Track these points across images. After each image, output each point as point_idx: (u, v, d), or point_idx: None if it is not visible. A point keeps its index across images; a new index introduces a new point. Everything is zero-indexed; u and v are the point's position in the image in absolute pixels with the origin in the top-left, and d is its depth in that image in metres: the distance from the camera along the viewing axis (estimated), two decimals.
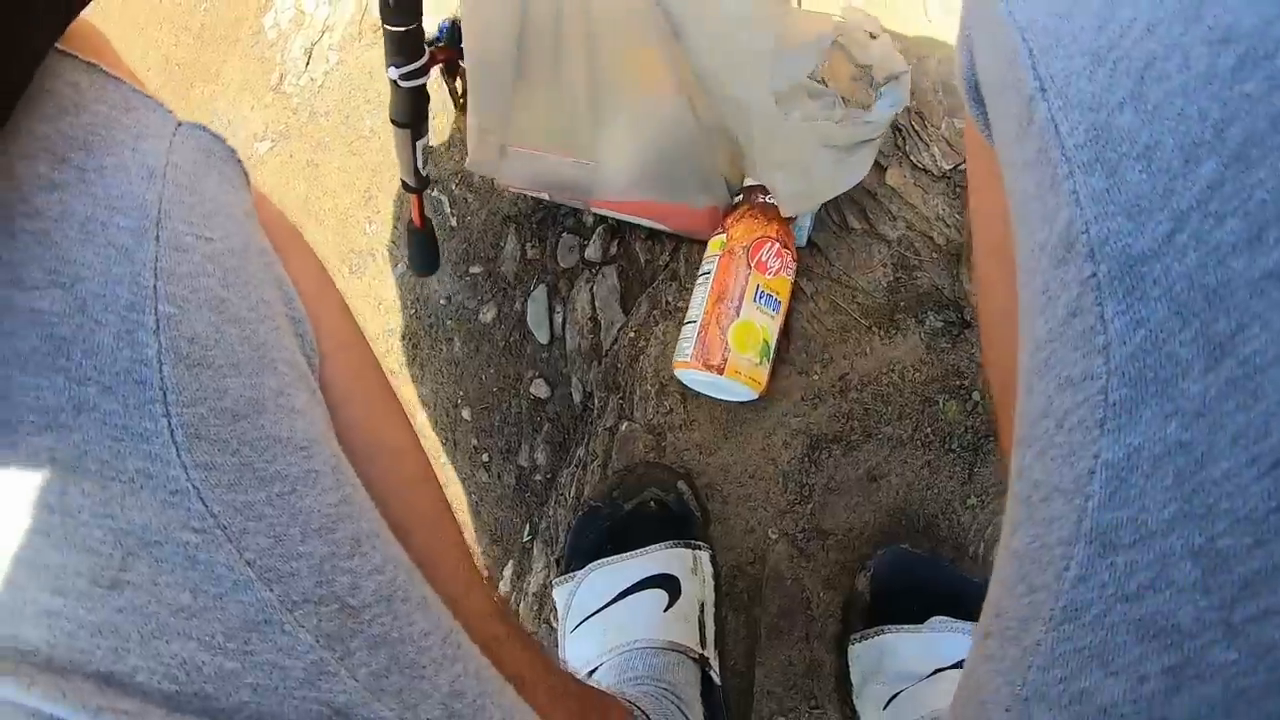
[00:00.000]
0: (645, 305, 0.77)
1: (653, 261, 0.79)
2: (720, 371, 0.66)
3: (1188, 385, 0.23)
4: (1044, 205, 0.26)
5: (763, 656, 0.70)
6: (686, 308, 0.71)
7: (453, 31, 0.64)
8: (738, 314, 0.66)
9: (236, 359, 0.31)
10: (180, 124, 0.35)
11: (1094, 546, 0.24)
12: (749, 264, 0.67)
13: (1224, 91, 0.22)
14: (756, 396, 0.69)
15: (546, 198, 0.77)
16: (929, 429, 0.71)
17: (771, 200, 0.69)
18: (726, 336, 0.66)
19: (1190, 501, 0.23)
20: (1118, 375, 0.24)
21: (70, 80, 0.32)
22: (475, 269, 0.84)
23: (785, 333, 0.72)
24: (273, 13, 1.14)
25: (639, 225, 0.78)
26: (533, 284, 0.82)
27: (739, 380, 0.66)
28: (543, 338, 0.80)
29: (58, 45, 0.32)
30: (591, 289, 0.79)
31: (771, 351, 0.68)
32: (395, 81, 0.62)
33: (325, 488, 0.32)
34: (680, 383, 0.73)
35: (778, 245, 0.68)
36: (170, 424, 0.28)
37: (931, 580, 0.68)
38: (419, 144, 0.69)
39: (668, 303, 0.77)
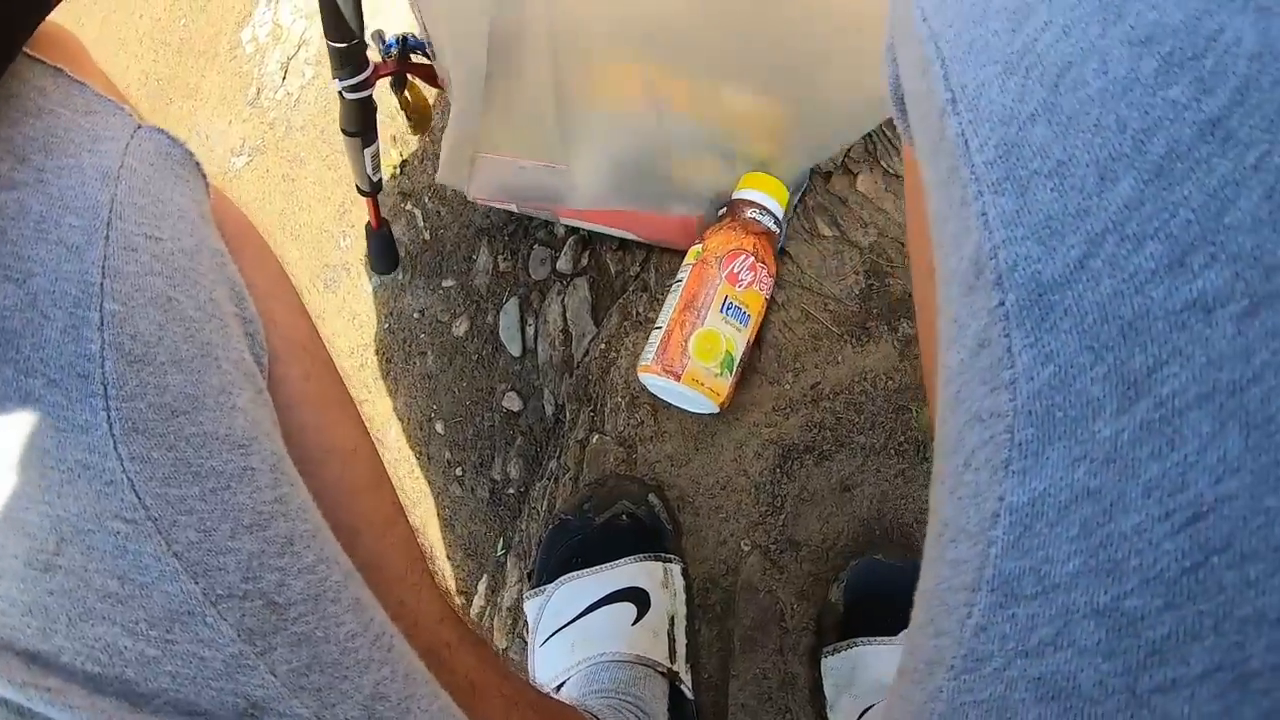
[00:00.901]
0: (616, 317, 0.77)
1: (623, 273, 0.79)
2: (678, 378, 0.65)
3: (1099, 427, 0.21)
4: (955, 227, 0.24)
5: (736, 669, 0.69)
6: (657, 317, 0.70)
7: (401, 47, 0.66)
8: (702, 322, 0.66)
9: (179, 356, 0.32)
10: (139, 127, 0.36)
11: (996, 595, 0.23)
12: (720, 274, 0.67)
13: (1145, 98, 0.20)
14: (716, 409, 0.68)
15: (515, 209, 0.77)
16: (902, 438, 0.70)
17: (755, 215, 0.68)
18: (688, 344, 0.65)
19: (1096, 555, 0.21)
20: (1024, 414, 0.22)
21: (36, 85, 0.33)
22: (448, 282, 0.84)
23: (757, 343, 0.72)
24: (250, 27, 1.14)
25: (610, 235, 0.77)
26: (505, 297, 0.81)
27: (697, 389, 0.66)
28: (515, 350, 0.80)
29: (27, 51, 0.33)
30: (563, 301, 0.79)
31: (735, 364, 0.68)
32: (340, 93, 0.65)
33: (261, 485, 0.33)
34: (650, 393, 0.72)
35: (752, 259, 0.67)
36: (109, 417, 0.29)
37: (905, 591, 0.66)
38: (368, 151, 0.71)
39: (638, 314, 0.76)
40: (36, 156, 0.32)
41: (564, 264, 0.80)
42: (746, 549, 0.70)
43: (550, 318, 0.79)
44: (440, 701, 0.38)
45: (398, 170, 0.89)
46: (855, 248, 0.73)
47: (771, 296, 0.73)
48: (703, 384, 0.66)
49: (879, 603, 0.66)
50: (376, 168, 0.73)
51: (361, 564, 0.38)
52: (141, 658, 0.29)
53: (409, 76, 0.69)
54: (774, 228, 0.69)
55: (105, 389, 0.29)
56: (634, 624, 0.66)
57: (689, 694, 0.66)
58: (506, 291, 0.82)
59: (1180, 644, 0.19)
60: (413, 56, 0.67)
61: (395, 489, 0.48)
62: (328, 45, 0.61)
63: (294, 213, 0.97)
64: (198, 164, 0.38)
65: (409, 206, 0.88)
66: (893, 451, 0.70)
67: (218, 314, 0.35)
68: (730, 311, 0.67)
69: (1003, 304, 0.22)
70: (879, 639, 0.64)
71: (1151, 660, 0.20)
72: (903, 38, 0.29)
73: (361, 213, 0.92)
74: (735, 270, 0.67)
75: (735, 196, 0.70)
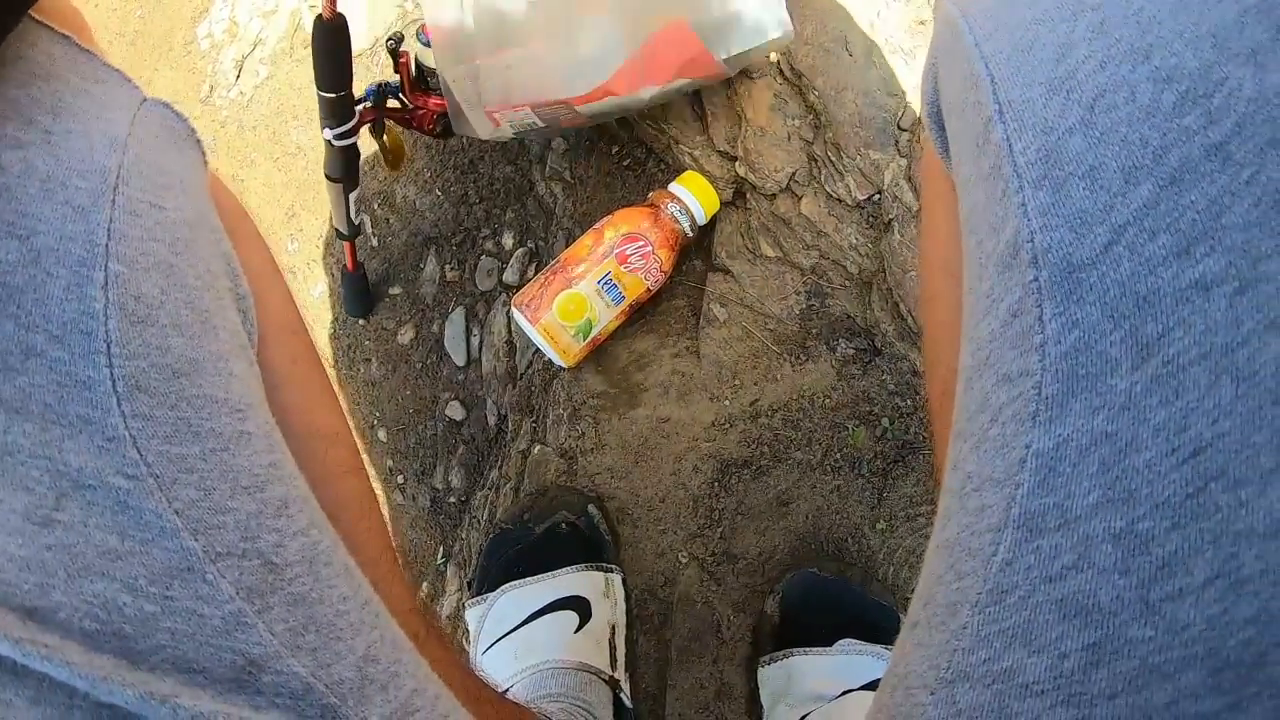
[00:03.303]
0: None
1: None
2: (532, 322, 0.69)
3: (1115, 381, 0.24)
4: (994, 216, 0.28)
5: (674, 679, 0.70)
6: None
7: (379, 94, 0.68)
8: (574, 284, 0.69)
9: (180, 320, 0.33)
10: (145, 100, 0.37)
11: (1021, 532, 0.26)
12: (613, 250, 0.69)
13: (1165, 123, 0.25)
14: (564, 365, 0.72)
15: (538, 122, 0.72)
16: (838, 454, 0.72)
17: (674, 212, 0.70)
18: (555, 298, 0.68)
19: (1113, 488, 0.24)
20: (1051, 372, 0.26)
21: (45, 50, 0.34)
22: (395, 290, 0.84)
23: (697, 357, 0.73)
24: (207, 23, 1.13)
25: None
26: (451, 306, 0.82)
27: (547, 341, 0.69)
28: (459, 360, 0.80)
29: (36, 17, 0.34)
30: (508, 312, 0.79)
31: (592, 333, 0.70)
32: (329, 141, 0.67)
33: (257, 449, 0.34)
34: (592, 406, 0.73)
35: (650, 249, 0.69)
36: (112, 374, 0.30)
37: (840, 603, 0.69)
38: (351, 196, 0.73)
39: None
40: (44, 119, 0.32)
41: (510, 275, 0.80)
42: (684, 561, 0.71)
43: (495, 329, 0.80)
44: (425, 668, 0.39)
45: None
46: (797, 269, 0.74)
47: (713, 314, 0.74)
48: (555, 340, 0.69)
49: (814, 615, 0.68)
50: (358, 211, 0.76)
51: None
52: (140, 614, 0.29)
53: (387, 121, 0.71)
54: (688, 231, 0.71)
55: (108, 347, 0.30)
56: (576, 632, 0.67)
57: (628, 703, 0.67)
58: (453, 301, 0.82)
59: (1185, 558, 0.23)
60: (389, 102, 0.69)
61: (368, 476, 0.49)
62: (319, 95, 0.63)
63: None
64: (199, 140, 0.39)
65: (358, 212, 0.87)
66: (829, 468, 0.72)
67: (214, 285, 0.36)
68: (606, 286, 0.69)
69: (1036, 280, 0.26)
70: (814, 649, 0.66)
71: (1161, 573, 0.23)
72: (948, 57, 0.33)
73: (310, 216, 0.92)
74: (628, 252, 0.69)
75: (669, 188, 0.72)
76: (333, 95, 0.63)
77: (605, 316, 0.70)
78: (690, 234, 0.72)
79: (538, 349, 0.76)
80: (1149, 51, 0.25)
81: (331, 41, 0.61)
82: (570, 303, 0.68)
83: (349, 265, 0.81)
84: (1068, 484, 0.25)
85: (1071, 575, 0.25)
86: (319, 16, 0.60)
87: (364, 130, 0.70)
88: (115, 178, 0.32)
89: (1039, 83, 0.28)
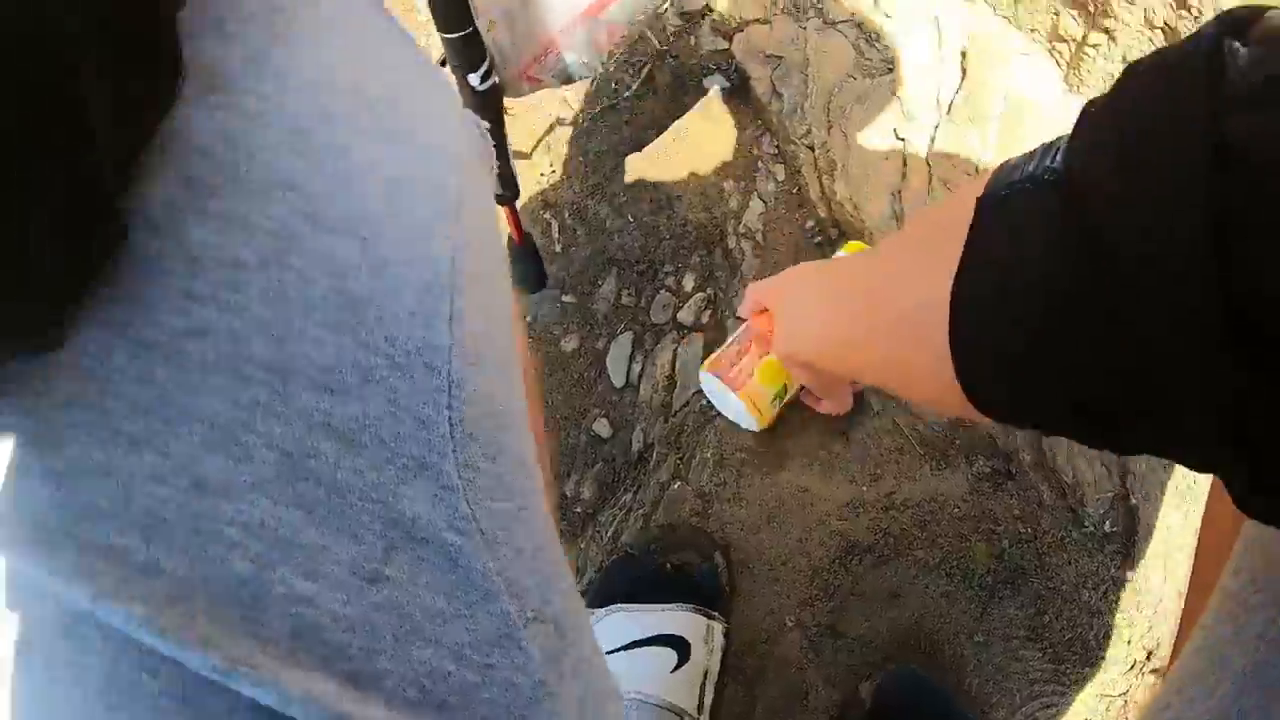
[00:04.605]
0: None
1: None
2: (735, 389, 0.71)
3: None
4: None
5: None
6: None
7: None
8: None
9: (500, 367, 0.31)
10: (464, 109, 0.35)
11: None
12: None
13: None
14: (758, 428, 0.75)
15: (580, 58, 0.68)
16: (955, 563, 0.75)
17: None
18: (755, 365, 0.71)
19: None
20: None
21: (378, 25, 0.32)
22: (568, 298, 0.87)
23: (845, 440, 0.76)
24: None
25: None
26: (620, 328, 0.85)
27: (747, 406, 0.72)
28: (617, 381, 0.84)
29: None
30: (676, 350, 0.82)
31: (785, 398, 0.74)
32: (474, 88, 0.61)
33: (542, 509, 0.32)
34: (739, 458, 0.76)
35: None
36: (450, 417, 0.27)
37: (934, 708, 0.71)
38: (505, 145, 0.66)
39: None
40: (386, 113, 0.29)
41: (686, 315, 0.84)
42: (790, 625, 0.74)
43: (660, 362, 0.83)
44: None
45: (542, 178, 0.93)
46: None
47: (868, 403, 0.78)
48: (757, 405, 0.72)
49: (909, 711, 0.70)
50: (513, 168, 0.68)
51: None
52: (463, 684, 0.26)
53: None
54: None
55: (450, 387, 0.27)
56: (673, 671, 0.70)
57: None
58: (623, 324, 0.86)
59: None
60: None
61: None
62: (443, 40, 0.58)
63: None
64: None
65: (547, 215, 0.91)
66: (944, 573, 0.75)
67: (513, 325, 0.34)
68: None
69: None
70: None
71: None
72: None
73: None
74: None
75: None
76: (458, 35, 0.57)
77: (796, 383, 0.73)
78: None
79: (698, 390, 0.80)
80: None
81: None
82: (771, 369, 0.71)
83: (515, 235, 0.74)
84: None
85: None
86: None
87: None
88: (457, 198, 0.30)
89: None
